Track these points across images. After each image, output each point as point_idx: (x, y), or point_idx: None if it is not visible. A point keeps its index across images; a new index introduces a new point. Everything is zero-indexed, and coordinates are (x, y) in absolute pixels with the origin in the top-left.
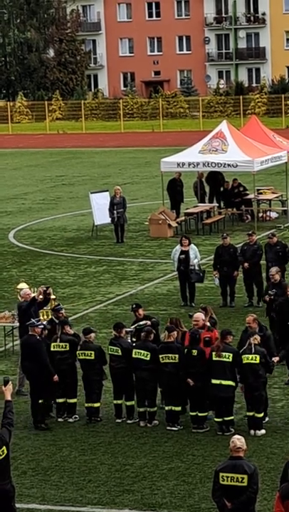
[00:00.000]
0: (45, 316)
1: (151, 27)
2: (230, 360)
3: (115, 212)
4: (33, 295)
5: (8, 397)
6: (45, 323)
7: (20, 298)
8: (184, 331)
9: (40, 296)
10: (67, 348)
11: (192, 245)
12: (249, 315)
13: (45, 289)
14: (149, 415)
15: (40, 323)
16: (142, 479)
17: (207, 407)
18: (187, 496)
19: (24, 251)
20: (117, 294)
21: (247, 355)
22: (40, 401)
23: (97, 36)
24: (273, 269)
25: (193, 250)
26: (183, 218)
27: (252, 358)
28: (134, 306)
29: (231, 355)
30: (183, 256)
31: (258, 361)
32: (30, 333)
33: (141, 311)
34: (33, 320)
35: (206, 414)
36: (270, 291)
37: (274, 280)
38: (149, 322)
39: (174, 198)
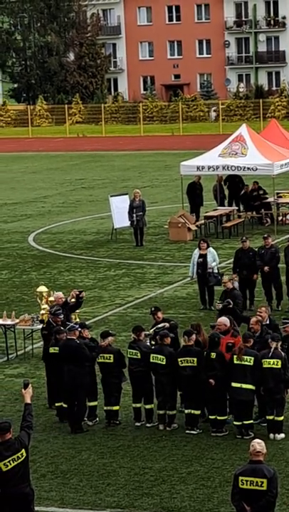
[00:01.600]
0: (77, 319)
1: (171, 31)
2: (252, 363)
3: (134, 215)
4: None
5: (28, 400)
6: (41, 326)
7: (39, 300)
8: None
9: (73, 300)
10: None
11: (210, 248)
12: (254, 316)
13: (78, 293)
14: (168, 418)
15: (76, 326)
16: (161, 483)
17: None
18: (206, 500)
19: (44, 254)
20: (137, 297)
21: (268, 360)
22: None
23: (117, 40)
24: (225, 278)
25: (211, 253)
26: (202, 222)
27: (273, 363)
28: (153, 309)
29: (253, 358)
30: (201, 259)
31: (279, 366)
32: (68, 336)
33: (160, 314)
34: (71, 323)
35: (225, 417)
36: (221, 301)
37: (226, 288)
38: (167, 324)
39: (194, 202)
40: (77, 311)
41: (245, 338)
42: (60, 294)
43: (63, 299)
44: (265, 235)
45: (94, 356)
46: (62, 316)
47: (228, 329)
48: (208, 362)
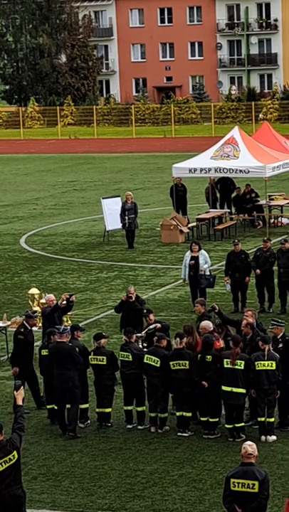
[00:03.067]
0: (69, 322)
1: (163, 33)
2: (243, 367)
3: (126, 217)
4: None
5: (20, 402)
6: (22, 329)
7: (30, 303)
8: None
9: (64, 303)
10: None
11: (202, 251)
12: (243, 318)
13: (68, 296)
14: (160, 421)
15: (68, 329)
16: (152, 485)
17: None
18: (198, 502)
19: (35, 256)
20: None
21: (263, 362)
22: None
23: (109, 42)
24: (131, 289)
25: (202, 256)
26: (194, 224)
27: (268, 365)
28: (145, 311)
29: (243, 362)
30: (192, 262)
31: (274, 367)
32: (58, 339)
33: (152, 317)
34: (62, 326)
35: (217, 419)
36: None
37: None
38: (158, 325)
39: (178, 204)
40: (69, 313)
41: (235, 341)
42: (51, 296)
43: (55, 301)
44: (265, 238)
45: (83, 361)
46: (36, 320)
47: (210, 333)
48: (204, 364)
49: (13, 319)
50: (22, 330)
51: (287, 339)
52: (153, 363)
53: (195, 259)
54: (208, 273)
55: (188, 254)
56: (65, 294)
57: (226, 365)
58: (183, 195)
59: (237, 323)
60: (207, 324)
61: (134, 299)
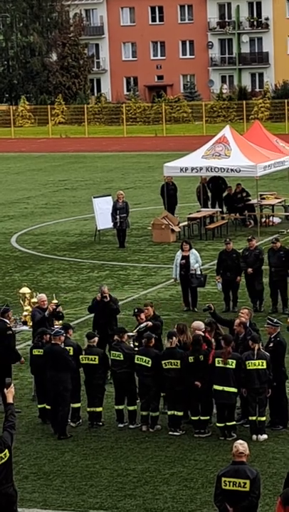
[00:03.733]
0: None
1: (154, 31)
2: (234, 366)
3: (118, 217)
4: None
5: (10, 400)
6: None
7: (21, 302)
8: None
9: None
10: (72, 353)
11: (193, 250)
12: (237, 318)
13: (54, 307)
14: (151, 420)
15: (61, 331)
16: (144, 484)
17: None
18: (189, 501)
19: (26, 255)
20: (120, 298)
21: (253, 361)
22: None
23: (100, 40)
24: (105, 288)
25: (193, 255)
26: (186, 223)
27: (259, 364)
28: (136, 310)
29: (235, 361)
30: (183, 261)
31: (265, 366)
32: (53, 341)
33: (143, 316)
34: (57, 328)
35: (208, 418)
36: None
37: (106, 299)
38: (150, 323)
39: (169, 202)
40: (61, 321)
41: (227, 341)
42: (43, 296)
43: (46, 302)
44: (250, 237)
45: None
46: (10, 313)
47: (202, 333)
48: (196, 364)
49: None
50: (8, 326)
51: (278, 340)
52: (144, 363)
53: (186, 258)
54: (199, 272)
55: (179, 254)
56: (52, 303)
57: (217, 364)
58: (174, 194)
59: (230, 322)
60: (199, 325)
61: (108, 298)
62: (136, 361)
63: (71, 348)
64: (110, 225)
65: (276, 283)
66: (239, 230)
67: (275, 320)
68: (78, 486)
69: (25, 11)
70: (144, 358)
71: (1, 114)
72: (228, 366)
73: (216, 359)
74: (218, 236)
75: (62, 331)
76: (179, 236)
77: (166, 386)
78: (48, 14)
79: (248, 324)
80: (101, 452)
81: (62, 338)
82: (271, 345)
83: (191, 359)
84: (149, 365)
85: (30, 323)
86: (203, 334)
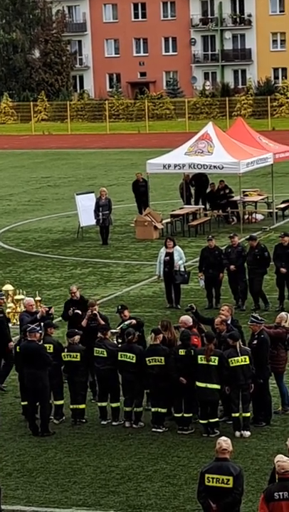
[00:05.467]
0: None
1: (137, 28)
2: (217, 363)
3: (101, 214)
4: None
5: None
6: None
7: (5, 299)
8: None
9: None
10: (52, 350)
11: (177, 247)
12: (218, 316)
13: (47, 309)
14: (134, 416)
15: (39, 328)
16: (127, 481)
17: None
18: (172, 498)
19: (9, 252)
20: (103, 295)
21: (236, 358)
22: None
23: (83, 37)
24: (73, 287)
25: (177, 252)
26: (169, 220)
27: (242, 360)
28: (119, 307)
29: (217, 358)
30: (167, 258)
31: (248, 362)
32: (29, 338)
33: (126, 313)
34: (32, 325)
35: (191, 415)
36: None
37: (75, 297)
38: (133, 321)
39: (140, 199)
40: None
41: (209, 338)
42: (31, 300)
43: (34, 307)
44: (232, 234)
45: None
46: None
47: (189, 328)
48: (187, 357)
49: None
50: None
51: (262, 337)
52: (128, 359)
53: (170, 255)
54: (182, 269)
55: (162, 251)
56: (44, 307)
57: (200, 362)
58: (145, 191)
59: (211, 321)
60: (187, 319)
61: (78, 297)
62: (119, 358)
63: (51, 346)
64: (93, 222)
65: (251, 281)
66: (222, 226)
67: (260, 318)
68: (62, 483)
69: (8, 7)
70: (129, 354)
71: None
72: (210, 363)
73: (199, 356)
74: (201, 233)
75: (38, 328)
76: (162, 233)
77: (149, 383)
78: (31, 11)
79: (229, 321)
80: (84, 449)
81: (38, 335)
82: (255, 342)
83: (182, 352)
84: (134, 362)
85: (14, 321)
86: (190, 331)
